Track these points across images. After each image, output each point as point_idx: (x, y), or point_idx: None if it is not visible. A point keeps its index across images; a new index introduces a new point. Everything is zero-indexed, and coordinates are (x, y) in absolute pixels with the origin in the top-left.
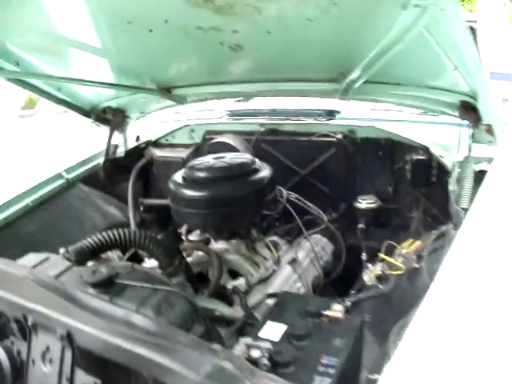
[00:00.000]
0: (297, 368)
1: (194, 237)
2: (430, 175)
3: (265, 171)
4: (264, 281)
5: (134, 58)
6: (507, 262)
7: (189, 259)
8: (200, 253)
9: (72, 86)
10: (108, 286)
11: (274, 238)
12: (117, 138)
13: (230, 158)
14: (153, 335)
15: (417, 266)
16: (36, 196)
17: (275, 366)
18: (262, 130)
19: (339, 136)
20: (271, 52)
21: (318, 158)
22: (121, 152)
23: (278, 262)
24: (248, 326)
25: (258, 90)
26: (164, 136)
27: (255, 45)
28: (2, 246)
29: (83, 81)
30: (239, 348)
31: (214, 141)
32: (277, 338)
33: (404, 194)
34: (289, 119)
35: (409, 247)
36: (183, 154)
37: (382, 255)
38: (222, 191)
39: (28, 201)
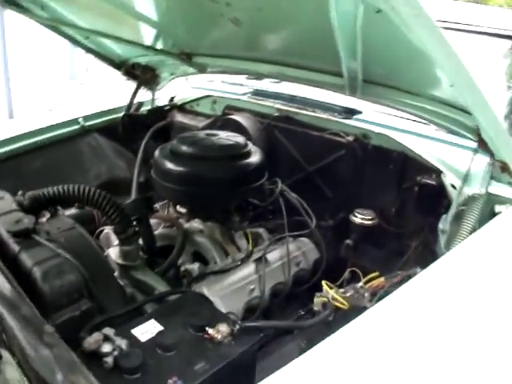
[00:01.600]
0: (139, 379)
1: (182, 209)
2: (440, 204)
3: (254, 157)
4: (221, 272)
5: (158, 19)
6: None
7: (160, 230)
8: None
9: (101, 38)
10: (25, 237)
11: (260, 230)
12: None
13: (220, 137)
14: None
15: (366, 305)
16: (46, 136)
17: (118, 368)
18: (276, 115)
19: (350, 138)
20: (269, 32)
21: (327, 157)
22: (144, 110)
23: (248, 256)
24: None
25: (269, 72)
26: (189, 102)
27: (251, 21)
28: (2, 177)
29: (104, 34)
30: (95, 336)
31: (227, 117)
32: (144, 339)
33: (407, 218)
34: (305, 109)
35: (369, 282)
36: (200, 123)
37: (324, 283)
38: (199, 170)
39: (37, 139)
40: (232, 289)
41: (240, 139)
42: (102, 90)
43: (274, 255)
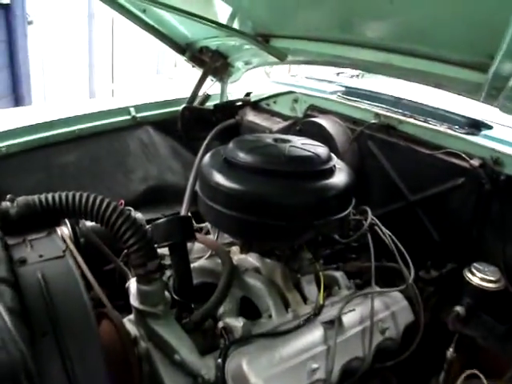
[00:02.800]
0: None
1: None
2: None
3: (340, 177)
4: (275, 336)
5: None
6: None
7: (201, 262)
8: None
9: (161, 13)
10: None
11: (337, 274)
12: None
13: (294, 144)
14: None
15: None
16: (87, 125)
17: None
18: (373, 121)
19: (475, 162)
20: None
21: (439, 184)
22: (211, 104)
23: (317, 312)
24: None
25: (370, 60)
26: (266, 98)
27: None
28: (26, 168)
29: (164, 5)
30: None
31: (308, 119)
32: None
33: None
34: (414, 117)
35: None
36: (275, 125)
37: None
38: (259, 189)
39: (76, 128)
40: (286, 367)
41: (321, 150)
42: (190, 85)
43: (351, 317)
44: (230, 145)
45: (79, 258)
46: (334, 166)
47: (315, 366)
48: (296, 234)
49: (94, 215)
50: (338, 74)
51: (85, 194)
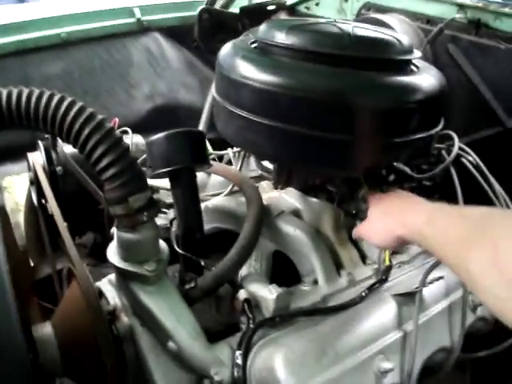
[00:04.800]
0: None
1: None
2: None
3: (431, 76)
4: (324, 313)
5: None
6: None
7: (217, 200)
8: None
9: None
10: None
11: None
12: None
13: (360, 26)
14: None
15: None
16: (77, 27)
17: None
18: (458, 16)
19: None
20: None
21: None
22: (236, 8)
23: (383, 278)
24: None
25: None
26: (305, 1)
27: None
28: (4, 77)
29: None
30: None
31: (365, 17)
32: None
33: None
34: None
35: None
36: None
37: None
38: (314, 84)
39: (62, 30)
40: (344, 368)
41: (400, 36)
42: None
43: (434, 288)
44: (262, 26)
45: (49, 192)
46: (418, 63)
47: (388, 365)
48: (366, 157)
49: (48, 121)
50: None
51: (36, 91)
